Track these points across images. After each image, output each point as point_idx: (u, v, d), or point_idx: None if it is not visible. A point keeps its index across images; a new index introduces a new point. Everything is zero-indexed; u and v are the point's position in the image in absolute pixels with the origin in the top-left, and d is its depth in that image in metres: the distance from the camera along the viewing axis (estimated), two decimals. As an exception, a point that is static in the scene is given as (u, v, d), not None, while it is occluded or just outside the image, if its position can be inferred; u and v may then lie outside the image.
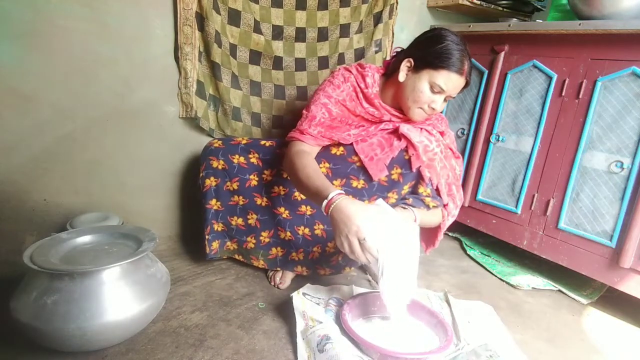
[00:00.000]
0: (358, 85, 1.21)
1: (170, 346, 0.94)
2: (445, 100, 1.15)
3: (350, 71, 1.23)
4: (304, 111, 1.19)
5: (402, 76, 1.16)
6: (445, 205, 1.19)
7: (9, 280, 0.92)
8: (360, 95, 1.21)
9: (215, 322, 1.04)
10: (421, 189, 1.16)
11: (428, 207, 1.15)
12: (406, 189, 1.18)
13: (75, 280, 0.84)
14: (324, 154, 1.21)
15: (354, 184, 1.20)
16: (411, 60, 1.14)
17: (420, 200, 1.15)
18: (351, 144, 1.20)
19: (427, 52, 1.13)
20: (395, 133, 1.19)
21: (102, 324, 0.83)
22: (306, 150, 1.13)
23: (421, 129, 1.20)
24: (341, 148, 1.21)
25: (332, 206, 0.91)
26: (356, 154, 1.18)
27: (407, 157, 1.16)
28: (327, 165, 1.22)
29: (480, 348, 0.98)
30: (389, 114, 1.21)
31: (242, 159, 1.23)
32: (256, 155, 1.23)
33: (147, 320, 0.96)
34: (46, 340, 0.83)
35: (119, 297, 0.87)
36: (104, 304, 0.84)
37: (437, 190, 1.17)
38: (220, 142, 1.25)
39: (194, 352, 0.93)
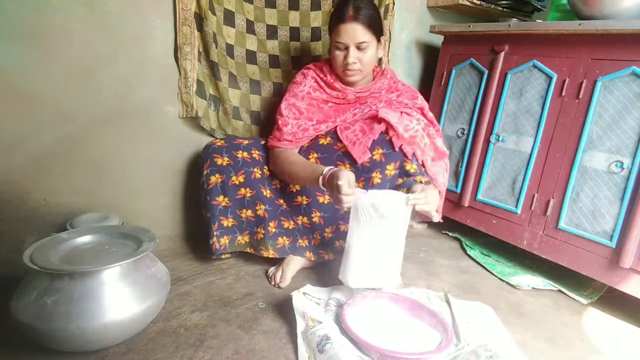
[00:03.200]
0: (318, 75, 1.33)
1: (170, 346, 0.94)
2: (360, 49, 1.22)
3: (309, 67, 1.35)
4: (278, 115, 1.30)
5: (329, 54, 1.31)
6: (432, 180, 1.25)
7: (9, 280, 0.92)
8: (322, 83, 1.32)
9: (215, 322, 1.04)
10: (407, 166, 1.23)
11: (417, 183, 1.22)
12: (390, 168, 1.24)
13: (75, 280, 0.84)
14: (312, 146, 1.34)
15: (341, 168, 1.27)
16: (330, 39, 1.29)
17: (411, 181, 1.22)
18: (335, 132, 1.31)
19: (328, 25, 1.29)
20: (376, 117, 1.27)
21: (102, 324, 0.83)
22: (286, 149, 1.27)
23: (401, 112, 1.28)
24: (328, 138, 1.33)
25: (327, 177, 1.09)
26: (341, 141, 1.29)
27: (388, 138, 1.24)
28: (315, 155, 1.33)
29: (480, 348, 0.98)
30: (352, 92, 1.31)
31: (245, 154, 1.29)
32: (257, 152, 1.32)
33: (147, 320, 0.96)
34: (46, 340, 0.83)
35: (119, 297, 0.87)
36: (104, 304, 0.84)
37: (423, 165, 1.25)
38: (222, 141, 1.30)
39: (194, 352, 0.93)
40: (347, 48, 1.22)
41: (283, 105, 1.30)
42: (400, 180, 1.24)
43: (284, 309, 1.12)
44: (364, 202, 1.06)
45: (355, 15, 1.19)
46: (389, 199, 1.07)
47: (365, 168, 1.25)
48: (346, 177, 1.03)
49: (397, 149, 1.22)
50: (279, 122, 1.28)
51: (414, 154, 1.23)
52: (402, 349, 0.95)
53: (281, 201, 1.34)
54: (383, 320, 1.08)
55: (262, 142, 1.35)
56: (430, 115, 1.35)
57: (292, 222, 1.34)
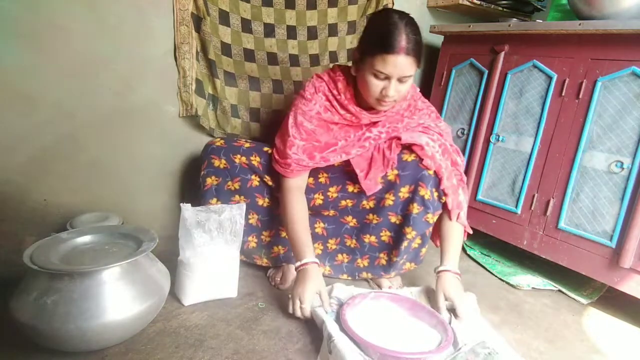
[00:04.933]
0: (331, 92, 1.17)
1: (170, 346, 0.94)
2: (401, 82, 1.06)
3: (322, 78, 1.18)
4: (285, 134, 1.16)
5: (353, 69, 1.13)
6: (445, 205, 1.19)
7: (9, 280, 0.92)
8: (335, 102, 1.17)
9: (215, 322, 1.04)
10: (422, 192, 1.17)
11: (429, 223, 1.21)
12: (404, 191, 1.19)
13: (75, 280, 0.84)
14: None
15: (350, 189, 1.24)
16: (357, 52, 1.11)
17: (422, 222, 1.20)
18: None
19: (363, 39, 1.10)
20: (391, 140, 1.20)
21: (102, 324, 0.83)
22: (296, 187, 1.17)
23: (421, 131, 1.21)
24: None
25: (301, 269, 1.08)
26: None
27: (404, 159, 1.19)
28: (325, 175, 1.25)
29: (478, 346, 0.99)
30: (367, 117, 1.17)
31: (243, 159, 1.22)
32: (258, 159, 1.23)
33: (147, 320, 0.96)
34: (46, 340, 0.83)
35: (119, 297, 0.87)
36: (104, 304, 0.84)
37: (444, 192, 1.18)
38: (222, 141, 1.24)
39: (194, 352, 0.93)
40: (388, 79, 1.05)
41: (290, 122, 1.15)
42: (412, 206, 1.18)
43: (284, 309, 1.12)
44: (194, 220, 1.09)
45: (407, 46, 1.00)
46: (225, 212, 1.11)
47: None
48: (309, 298, 1.04)
49: (424, 162, 1.16)
50: (286, 142, 1.15)
51: (436, 175, 1.17)
52: (403, 348, 0.95)
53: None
54: (383, 320, 1.08)
55: (265, 149, 1.25)
56: (450, 140, 1.26)
57: None
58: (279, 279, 1.25)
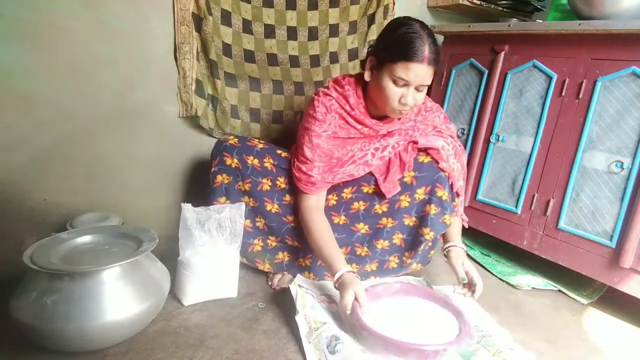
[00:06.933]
0: (343, 109, 1.14)
1: (170, 346, 0.94)
2: (418, 90, 1.06)
3: (330, 95, 1.15)
4: (300, 155, 1.15)
5: (367, 75, 1.11)
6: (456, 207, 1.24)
7: (9, 280, 0.92)
8: (349, 119, 1.15)
9: (215, 322, 1.04)
10: (439, 192, 1.18)
11: (446, 224, 1.21)
12: (420, 192, 1.20)
13: (75, 280, 0.84)
14: None
15: (365, 189, 1.23)
16: (373, 57, 1.09)
17: (440, 223, 1.20)
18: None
19: (383, 45, 1.09)
20: (408, 144, 1.22)
21: (102, 324, 0.83)
22: (315, 206, 1.16)
23: (435, 134, 1.25)
24: None
25: (340, 281, 1.04)
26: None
27: (420, 160, 1.21)
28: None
29: (472, 329, 1.03)
30: (384, 128, 1.17)
31: (256, 162, 1.20)
32: (271, 161, 1.22)
33: (147, 320, 0.96)
34: (46, 340, 0.83)
35: (119, 297, 0.87)
36: (104, 304, 0.84)
37: (452, 185, 1.21)
38: (236, 139, 1.22)
39: (194, 352, 0.93)
40: (406, 86, 1.05)
41: (307, 147, 1.14)
42: (429, 207, 1.19)
43: (284, 309, 1.12)
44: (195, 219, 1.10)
45: (429, 56, 1.02)
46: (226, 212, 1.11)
47: None
48: (350, 301, 0.99)
49: (439, 165, 1.19)
50: (306, 166, 1.14)
51: (448, 175, 1.20)
52: (422, 339, 0.95)
53: (290, 218, 1.24)
54: (402, 314, 1.08)
55: (279, 152, 1.24)
56: (459, 142, 1.30)
57: (296, 242, 1.25)
58: (276, 280, 1.24)
